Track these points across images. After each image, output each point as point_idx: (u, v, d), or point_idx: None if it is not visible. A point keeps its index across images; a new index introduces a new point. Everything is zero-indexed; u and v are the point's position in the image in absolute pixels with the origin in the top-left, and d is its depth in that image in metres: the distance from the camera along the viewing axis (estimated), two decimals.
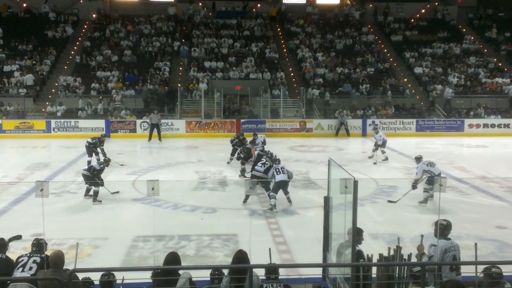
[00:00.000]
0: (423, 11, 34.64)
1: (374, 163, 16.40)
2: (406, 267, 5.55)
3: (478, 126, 24.25)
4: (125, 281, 5.53)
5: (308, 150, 19.54)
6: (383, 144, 16.94)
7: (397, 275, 5.54)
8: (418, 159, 11.89)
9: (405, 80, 28.01)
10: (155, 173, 14.52)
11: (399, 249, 5.68)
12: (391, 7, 33.67)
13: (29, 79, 25.29)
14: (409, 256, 5.75)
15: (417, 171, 11.59)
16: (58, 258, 5.36)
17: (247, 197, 11.26)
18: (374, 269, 5.71)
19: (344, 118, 23.34)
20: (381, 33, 32.27)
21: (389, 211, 11.08)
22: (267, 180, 11.28)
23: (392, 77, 27.47)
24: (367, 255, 5.92)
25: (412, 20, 33.13)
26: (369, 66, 28.27)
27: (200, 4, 33.38)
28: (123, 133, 22.83)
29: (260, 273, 5.30)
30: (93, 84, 25.37)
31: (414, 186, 11.43)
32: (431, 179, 11.11)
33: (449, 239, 5.75)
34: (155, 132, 21.35)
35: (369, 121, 23.81)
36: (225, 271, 5.39)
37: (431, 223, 5.86)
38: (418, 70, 28.23)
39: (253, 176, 11.53)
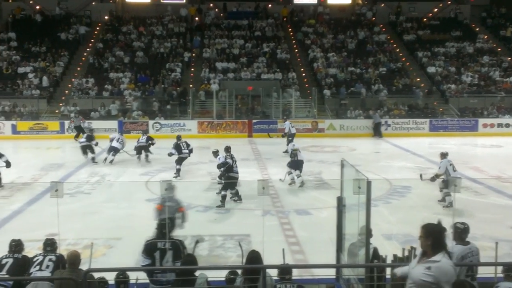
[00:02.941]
0: (436, 10, 34.35)
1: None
2: None
3: (492, 125, 24.00)
4: (139, 281, 5.56)
5: (320, 151, 19.49)
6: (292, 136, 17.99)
7: None
8: (444, 155, 11.50)
9: (418, 79, 27.80)
10: (168, 173, 14.53)
11: (413, 249, 5.64)
12: (403, 6, 33.44)
13: (44, 80, 25.58)
14: None
15: (440, 165, 11.32)
16: (75, 257, 5.43)
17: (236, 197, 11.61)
18: (388, 270, 5.68)
19: (377, 117, 23.19)
20: (393, 32, 32.07)
21: (402, 212, 11.02)
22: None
23: (405, 77, 27.28)
24: (381, 255, 5.89)
25: (425, 19, 32.87)
26: (381, 65, 28.11)
27: (211, 5, 33.47)
28: (136, 134, 22.91)
29: (274, 273, 5.30)
30: (105, 85, 25.59)
31: (433, 179, 11.20)
32: (446, 182, 10.84)
33: (468, 242, 5.44)
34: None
35: (382, 121, 23.72)
36: (238, 271, 5.40)
37: (449, 226, 5.48)
38: (431, 69, 28.01)
39: (231, 178, 11.64)
